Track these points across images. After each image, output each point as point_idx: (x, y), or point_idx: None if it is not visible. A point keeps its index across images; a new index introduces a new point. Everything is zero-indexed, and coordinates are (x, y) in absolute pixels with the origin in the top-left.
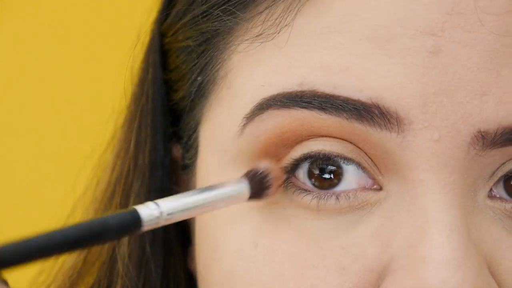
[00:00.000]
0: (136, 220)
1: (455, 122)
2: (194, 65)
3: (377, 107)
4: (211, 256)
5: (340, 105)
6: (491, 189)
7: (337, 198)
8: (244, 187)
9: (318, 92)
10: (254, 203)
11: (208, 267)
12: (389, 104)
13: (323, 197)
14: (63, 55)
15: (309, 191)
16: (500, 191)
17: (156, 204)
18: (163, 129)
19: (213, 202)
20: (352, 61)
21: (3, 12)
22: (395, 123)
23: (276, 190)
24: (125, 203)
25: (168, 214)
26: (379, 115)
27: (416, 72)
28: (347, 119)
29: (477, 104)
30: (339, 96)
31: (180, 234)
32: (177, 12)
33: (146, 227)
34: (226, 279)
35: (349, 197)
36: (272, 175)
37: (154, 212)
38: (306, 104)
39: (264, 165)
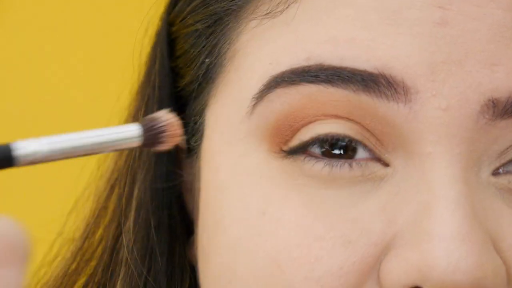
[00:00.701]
0: (8, 154)
1: (464, 90)
2: (203, 47)
3: (384, 76)
4: (216, 228)
5: (347, 77)
6: (497, 168)
7: (350, 165)
8: (135, 131)
9: (324, 65)
10: (265, 172)
11: (212, 240)
12: (396, 73)
13: (336, 164)
14: (66, 53)
15: (320, 158)
16: (508, 168)
17: (37, 140)
18: None
19: (99, 143)
20: (358, 32)
21: (3, 12)
22: (402, 93)
23: (172, 142)
24: (129, 191)
25: (48, 151)
26: (385, 85)
27: (423, 42)
28: (354, 91)
29: (487, 73)
30: (345, 68)
31: (185, 222)
32: None
33: (22, 162)
34: (230, 249)
35: (361, 166)
36: (168, 122)
37: (32, 148)
38: (313, 78)
39: (161, 113)
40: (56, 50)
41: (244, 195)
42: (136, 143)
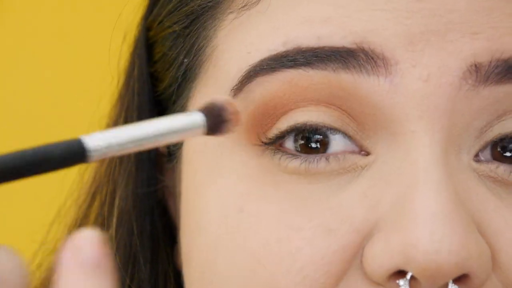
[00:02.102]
0: (81, 148)
1: (445, 58)
2: (181, 48)
3: (363, 50)
4: (195, 230)
5: (325, 55)
6: (477, 154)
7: (327, 160)
8: (200, 119)
9: (302, 48)
10: (242, 171)
11: (191, 242)
12: (374, 46)
13: (312, 160)
14: (45, 59)
15: (297, 155)
16: (486, 156)
17: (102, 133)
18: None
19: (166, 132)
20: (333, 11)
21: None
22: (382, 65)
23: (234, 128)
24: (111, 198)
25: (118, 145)
26: (365, 59)
27: (400, 16)
28: (333, 70)
29: (468, 41)
30: (323, 47)
31: (168, 230)
32: (164, 1)
33: (94, 157)
34: (209, 249)
35: (339, 159)
36: (230, 109)
37: (100, 142)
38: (292, 63)
39: (221, 99)
40: (33, 56)
41: (221, 194)
42: (200, 131)
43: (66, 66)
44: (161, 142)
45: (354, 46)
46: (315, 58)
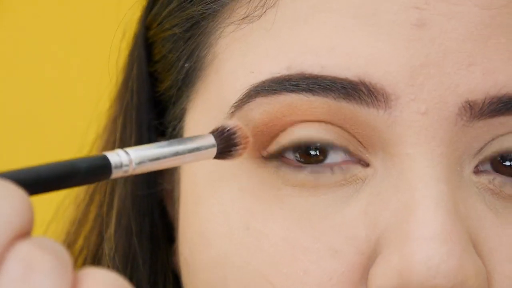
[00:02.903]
0: (105, 165)
1: (442, 93)
2: (181, 52)
3: (364, 84)
4: (198, 241)
5: (328, 85)
6: (477, 165)
7: (331, 170)
8: (211, 142)
9: (305, 74)
10: (244, 184)
11: (195, 253)
12: (376, 81)
13: (318, 171)
14: (41, 59)
15: (302, 167)
16: (486, 167)
17: (126, 152)
18: (147, 124)
19: (182, 155)
20: (338, 40)
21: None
22: (382, 100)
23: (243, 151)
24: (110, 198)
25: (137, 163)
26: (366, 93)
27: (402, 46)
28: (334, 98)
29: (465, 74)
30: (326, 76)
31: (167, 230)
32: (163, 1)
33: (115, 173)
34: (216, 264)
35: (343, 169)
36: (239, 133)
37: (123, 159)
38: (294, 87)
39: (232, 123)
40: (33, 55)
41: (226, 208)
42: (213, 152)
43: (65, 65)
44: (176, 162)
45: (356, 79)
46: (317, 86)
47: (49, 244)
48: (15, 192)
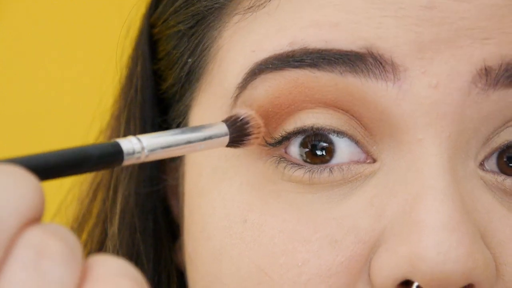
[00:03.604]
0: (117, 151)
1: (454, 64)
2: (185, 47)
3: (372, 55)
4: (200, 236)
5: (333, 58)
6: (482, 162)
7: (330, 171)
8: (224, 131)
9: (309, 49)
10: (245, 178)
11: (197, 248)
12: (383, 52)
13: (316, 170)
14: (46, 56)
15: (301, 165)
16: (492, 166)
17: (138, 139)
18: (151, 121)
19: (194, 142)
20: (342, 17)
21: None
22: (391, 70)
23: (256, 141)
24: (113, 195)
25: (149, 150)
26: (373, 63)
27: (410, 24)
28: (341, 73)
29: (478, 46)
30: (331, 50)
31: (170, 228)
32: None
33: (127, 160)
34: (214, 257)
35: (343, 170)
36: (252, 122)
37: (136, 146)
38: (298, 63)
39: (245, 111)
40: (34, 53)
41: (226, 202)
42: (225, 140)
43: (69, 62)
44: (188, 150)
45: (362, 51)
46: (322, 60)
47: (59, 231)
48: (26, 177)
